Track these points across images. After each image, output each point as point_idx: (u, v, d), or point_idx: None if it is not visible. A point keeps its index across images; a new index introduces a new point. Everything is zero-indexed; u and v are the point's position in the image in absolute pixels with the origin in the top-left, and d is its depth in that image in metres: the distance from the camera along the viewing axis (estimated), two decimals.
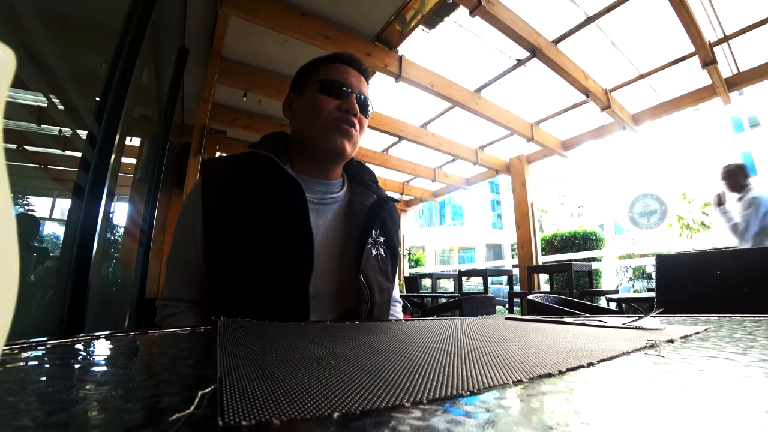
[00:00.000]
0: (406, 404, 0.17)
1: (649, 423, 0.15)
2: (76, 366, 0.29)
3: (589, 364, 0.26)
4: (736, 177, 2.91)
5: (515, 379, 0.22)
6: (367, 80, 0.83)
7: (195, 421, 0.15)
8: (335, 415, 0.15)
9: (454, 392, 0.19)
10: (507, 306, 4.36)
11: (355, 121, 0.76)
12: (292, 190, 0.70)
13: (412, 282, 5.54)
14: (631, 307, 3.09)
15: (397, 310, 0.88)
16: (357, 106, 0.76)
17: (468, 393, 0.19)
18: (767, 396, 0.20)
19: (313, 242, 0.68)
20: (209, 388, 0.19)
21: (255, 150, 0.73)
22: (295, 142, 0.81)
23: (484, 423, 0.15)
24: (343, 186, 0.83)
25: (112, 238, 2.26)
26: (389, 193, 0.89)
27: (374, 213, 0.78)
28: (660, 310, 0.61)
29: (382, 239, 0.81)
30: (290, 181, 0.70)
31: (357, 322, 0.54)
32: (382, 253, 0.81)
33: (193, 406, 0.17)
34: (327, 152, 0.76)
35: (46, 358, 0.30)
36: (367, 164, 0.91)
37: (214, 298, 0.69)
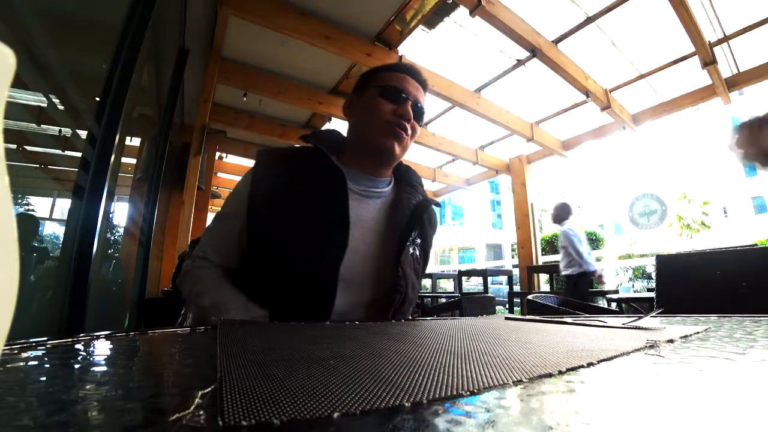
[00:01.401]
0: (406, 404, 0.17)
1: (649, 423, 0.15)
2: (76, 366, 0.29)
3: (589, 364, 0.26)
4: (560, 212, 3.66)
5: (515, 379, 0.22)
6: (425, 91, 0.88)
7: (195, 421, 0.15)
8: (335, 415, 0.15)
9: (454, 392, 0.19)
10: (507, 306, 4.35)
11: (408, 126, 0.80)
12: (335, 178, 0.76)
13: None
14: (631, 307, 3.08)
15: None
16: (412, 112, 0.80)
17: (468, 393, 0.19)
18: (767, 396, 0.20)
19: (348, 226, 0.72)
20: (209, 388, 0.19)
21: (305, 141, 0.81)
22: (350, 140, 0.86)
23: (484, 423, 0.15)
24: (390, 184, 0.87)
25: (112, 238, 2.26)
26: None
27: (418, 213, 0.83)
28: (660, 310, 0.61)
29: (419, 240, 0.86)
30: (334, 169, 0.76)
31: (357, 322, 0.54)
32: (417, 253, 0.85)
33: (193, 406, 0.17)
34: (378, 152, 0.81)
35: (46, 358, 0.30)
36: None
37: (247, 270, 0.75)
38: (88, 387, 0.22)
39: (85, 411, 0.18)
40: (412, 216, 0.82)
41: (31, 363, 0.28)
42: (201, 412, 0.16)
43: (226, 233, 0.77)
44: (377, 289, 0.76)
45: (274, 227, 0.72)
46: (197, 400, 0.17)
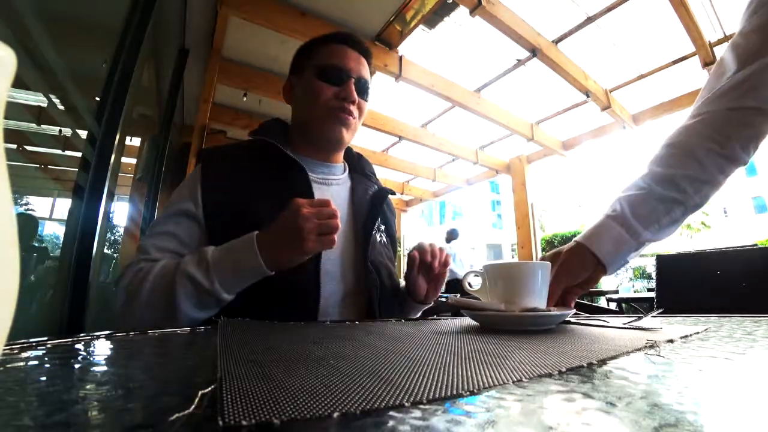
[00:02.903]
0: (406, 404, 0.17)
1: (648, 423, 0.15)
2: (76, 366, 0.29)
3: (589, 365, 0.26)
4: (449, 235, 4.99)
5: (515, 379, 0.22)
6: (368, 60, 0.81)
7: (195, 421, 0.15)
8: (335, 415, 0.15)
9: (454, 392, 0.19)
10: None
11: (353, 109, 0.75)
12: (295, 171, 0.72)
13: None
14: (631, 307, 3.08)
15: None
16: (355, 92, 0.74)
17: (468, 393, 0.19)
18: (767, 396, 0.20)
19: None
20: (209, 388, 0.19)
21: (255, 137, 0.75)
22: (295, 127, 0.81)
23: (484, 423, 0.15)
24: (344, 171, 0.85)
25: (112, 238, 2.26)
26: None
27: (378, 203, 0.80)
28: (660, 310, 0.61)
29: (383, 227, 0.84)
30: (292, 163, 0.71)
31: (357, 322, 0.54)
32: (385, 240, 0.83)
33: (193, 406, 0.17)
34: (325, 140, 0.77)
35: (46, 358, 0.30)
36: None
37: None
38: (88, 387, 0.22)
39: (85, 411, 0.18)
40: (372, 206, 0.79)
41: (31, 363, 0.28)
42: (200, 412, 0.16)
43: (174, 232, 0.66)
44: (355, 280, 0.73)
45: (240, 229, 0.63)
46: (197, 400, 0.17)
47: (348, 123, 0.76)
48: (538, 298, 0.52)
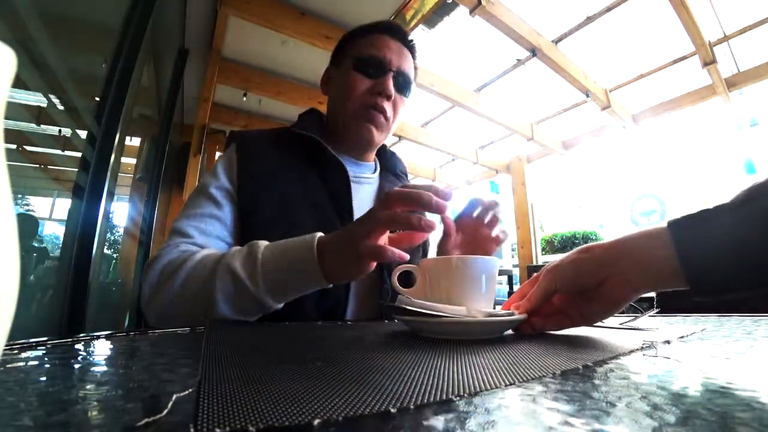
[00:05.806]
0: (392, 410, 0.17)
1: (649, 423, 0.15)
2: (76, 366, 0.29)
3: (589, 366, 0.26)
4: None
5: (514, 380, 0.22)
6: (412, 53, 0.76)
7: (167, 428, 0.15)
8: (316, 422, 0.14)
9: (452, 394, 0.19)
10: None
11: (388, 106, 0.70)
12: (337, 172, 0.69)
13: None
14: (631, 306, 3.09)
15: None
16: (392, 87, 0.69)
17: (466, 395, 0.19)
18: (766, 396, 0.20)
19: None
20: (185, 392, 0.19)
21: (301, 131, 0.70)
22: (329, 121, 0.78)
23: (485, 423, 0.15)
24: (376, 170, 0.81)
25: (112, 238, 2.26)
26: None
27: None
28: (657, 310, 0.61)
29: None
30: (334, 162, 0.69)
31: (349, 323, 0.54)
32: None
33: (166, 410, 0.16)
34: (355, 139, 0.73)
35: (46, 358, 0.30)
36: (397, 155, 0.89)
37: None
38: (88, 387, 0.22)
39: (85, 411, 0.18)
40: None
41: (31, 363, 0.28)
42: (174, 418, 0.16)
43: (218, 216, 0.61)
44: (370, 283, 0.69)
45: (273, 221, 0.61)
46: (170, 405, 0.17)
47: (379, 122, 0.71)
48: (486, 299, 0.43)
